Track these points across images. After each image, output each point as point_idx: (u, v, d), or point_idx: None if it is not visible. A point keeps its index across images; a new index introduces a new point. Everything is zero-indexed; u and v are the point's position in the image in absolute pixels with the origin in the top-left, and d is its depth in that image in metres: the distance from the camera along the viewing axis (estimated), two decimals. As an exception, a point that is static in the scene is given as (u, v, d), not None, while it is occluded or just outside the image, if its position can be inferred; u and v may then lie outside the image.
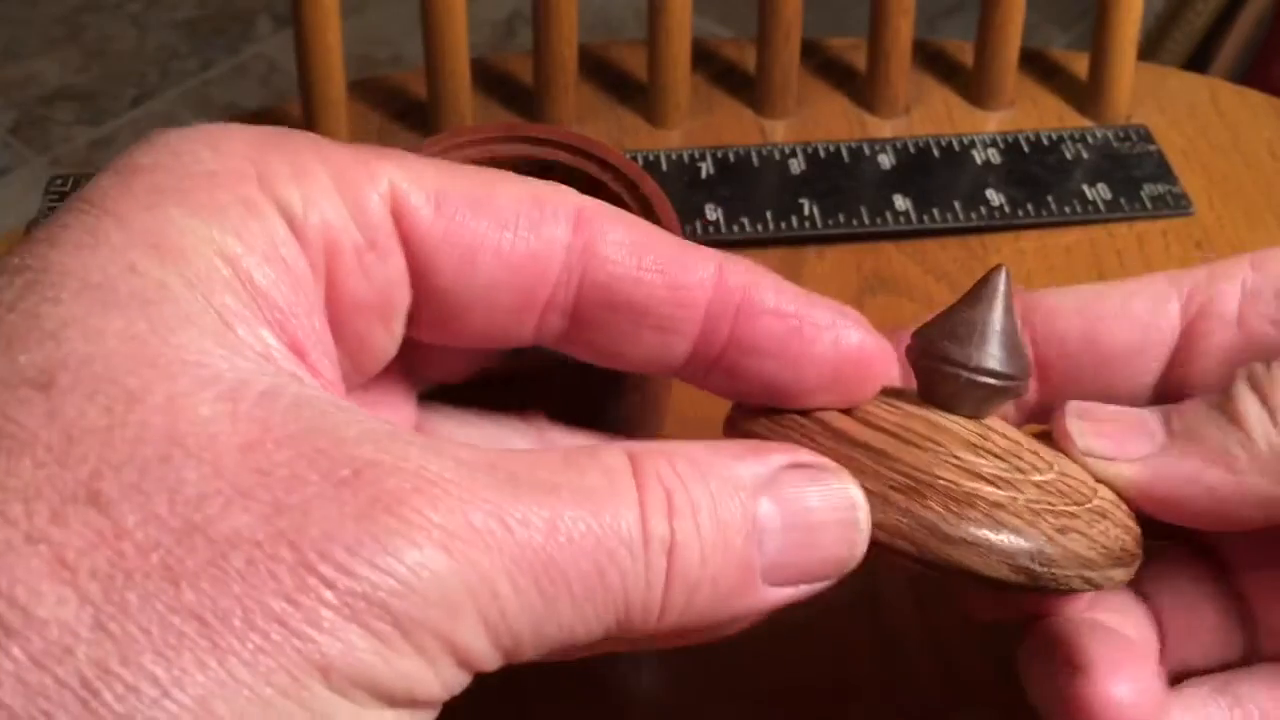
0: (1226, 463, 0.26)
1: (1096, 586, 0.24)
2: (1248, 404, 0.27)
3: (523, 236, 0.23)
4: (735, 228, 0.48)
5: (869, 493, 0.23)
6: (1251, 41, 1.07)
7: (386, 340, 0.24)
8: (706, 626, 0.22)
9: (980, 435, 0.25)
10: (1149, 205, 0.49)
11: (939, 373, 0.25)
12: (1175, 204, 0.49)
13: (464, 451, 0.20)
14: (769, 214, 0.48)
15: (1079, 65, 0.55)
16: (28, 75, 1.43)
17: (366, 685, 0.18)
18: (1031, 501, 0.24)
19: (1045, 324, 0.30)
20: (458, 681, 0.19)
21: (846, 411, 0.25)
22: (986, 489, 0.24)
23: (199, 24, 1.51)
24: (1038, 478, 0.25)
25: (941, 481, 0.24)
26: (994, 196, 0.49)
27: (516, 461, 0.20)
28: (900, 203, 0.49)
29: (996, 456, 0.25)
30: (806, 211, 0.48)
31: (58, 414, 0.18)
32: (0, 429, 0.18)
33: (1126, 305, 0.30)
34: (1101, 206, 0.49)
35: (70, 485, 0.17)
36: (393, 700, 0.19)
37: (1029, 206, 0.49)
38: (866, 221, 0.48)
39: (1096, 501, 0.25)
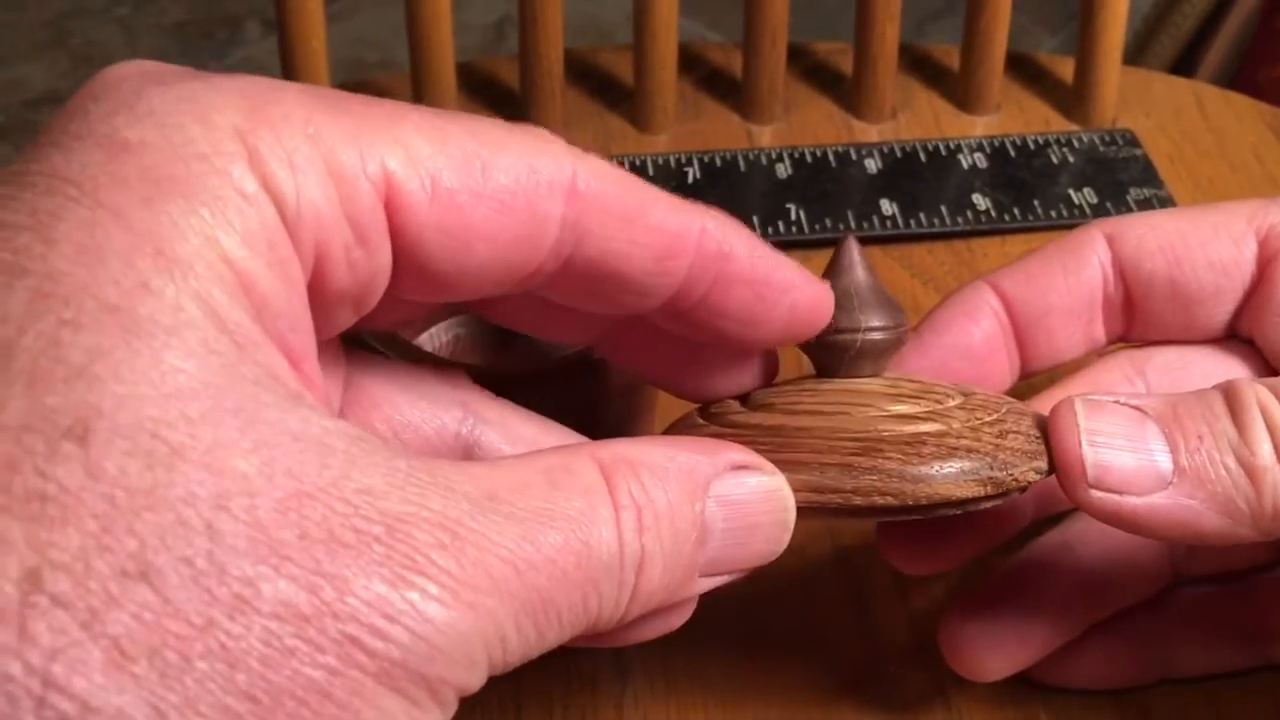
0: (1230, 513, 0.26)
1: (1046, 472, 0.26)
2: (1262, 450, 0.26)
3: (519, 219, 0.23)
4: (722, 232, 0.47)
5: (831, 466, 0.25)
6: (1238, 45, 1.07)
7: (353, 318, 0.24)
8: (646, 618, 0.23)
9: (891, 386, 0.27)
10: (1135, 209, 0.49)
11: (836, 345, 0.27)
12: (1161, 208, 0.49)
13: (468, 483, 0.20)
14: (755, 219, 0.48)
15: (1065, 69, 0.55)
16: (14, 80, 1.43)
17: None
18: (965, 423, 0.26)
19: (1133, 266, 0.32)
20: (454, 709, 0.20)
21: (767, 408, 0.27)
22: (924, 426, 0.26)
23: (187, 28, 1.51)
24: (954, 403, 0.27)
25: (887, 434, 0.25)
26: (980, 201, 0.49)
27: (508, 487, 0.21)
28: (887, 207, 0.49)
29: (914, 398, 0.27)
30: (793, 216, 0.48)
31: (99, 474, 0.17)
32: (40, 490, 0.17)
33: (1206, 250, 0.32)
34: (1088, 210, 0.49)
35: (120, 559, 0.17)
36: None
37: (1015, 211, 0.49)
38: (853, 226, 0.48)
39: (1009, 403, 0.28)
